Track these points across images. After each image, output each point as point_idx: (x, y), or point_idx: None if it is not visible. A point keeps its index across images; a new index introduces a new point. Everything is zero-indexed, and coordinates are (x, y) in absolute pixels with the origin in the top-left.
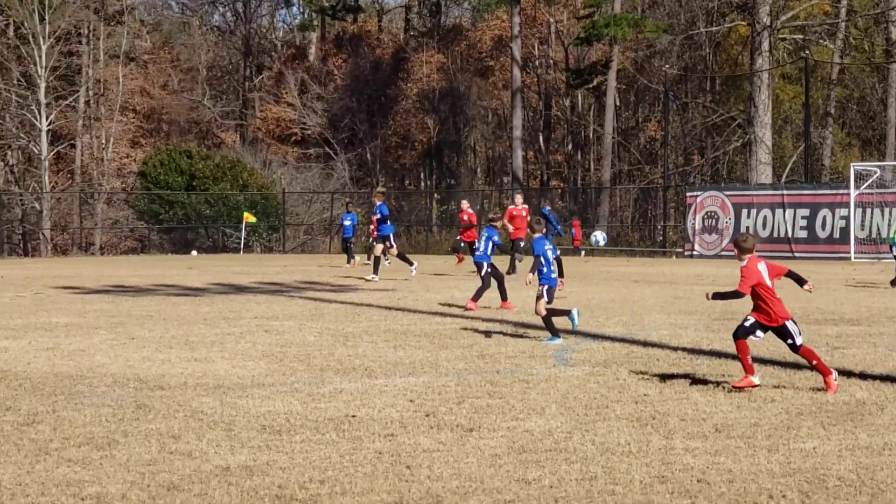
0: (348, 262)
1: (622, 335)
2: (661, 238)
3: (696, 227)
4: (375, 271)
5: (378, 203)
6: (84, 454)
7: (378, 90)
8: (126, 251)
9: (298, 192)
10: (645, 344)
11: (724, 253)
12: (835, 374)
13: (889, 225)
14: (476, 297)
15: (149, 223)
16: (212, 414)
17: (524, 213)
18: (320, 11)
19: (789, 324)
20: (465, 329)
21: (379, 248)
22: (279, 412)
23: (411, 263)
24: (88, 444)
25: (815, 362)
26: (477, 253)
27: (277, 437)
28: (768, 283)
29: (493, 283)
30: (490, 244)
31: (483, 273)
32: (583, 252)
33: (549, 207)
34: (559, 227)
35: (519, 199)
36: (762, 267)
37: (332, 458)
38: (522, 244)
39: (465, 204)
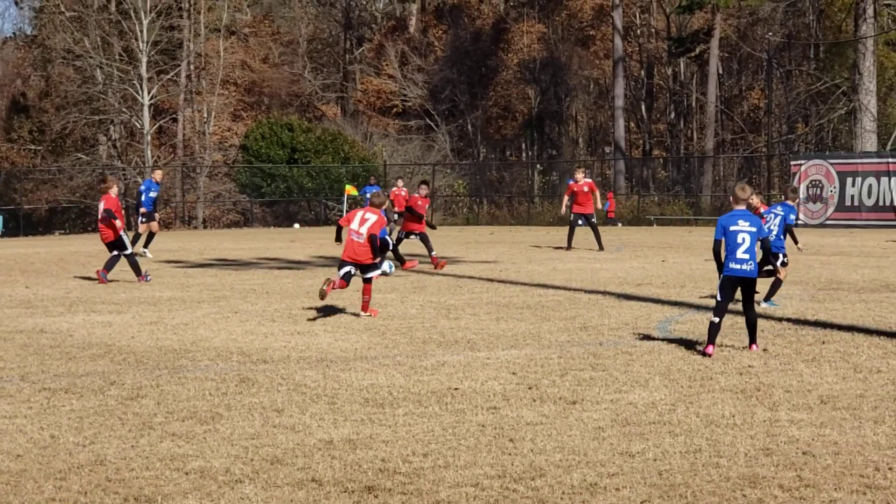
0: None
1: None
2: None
3: (801, 195)
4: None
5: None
6: (188, 428)
7: (478, 61)
8: (228, 224)
9: (400, 164)
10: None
11: (829, 222)
12: None
13: None
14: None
15: (251, 196)
16: (314, 387)
17: (585, 189)
18: None
19: None
20: (568, 301)
21: None
22: (382, 385)
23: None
24: (192, 419)
25: None
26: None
27: (380, 411)
28: None
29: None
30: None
31: None
32: (619, 223)
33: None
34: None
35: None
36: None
37: (434, 431)
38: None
39: (400, 183)
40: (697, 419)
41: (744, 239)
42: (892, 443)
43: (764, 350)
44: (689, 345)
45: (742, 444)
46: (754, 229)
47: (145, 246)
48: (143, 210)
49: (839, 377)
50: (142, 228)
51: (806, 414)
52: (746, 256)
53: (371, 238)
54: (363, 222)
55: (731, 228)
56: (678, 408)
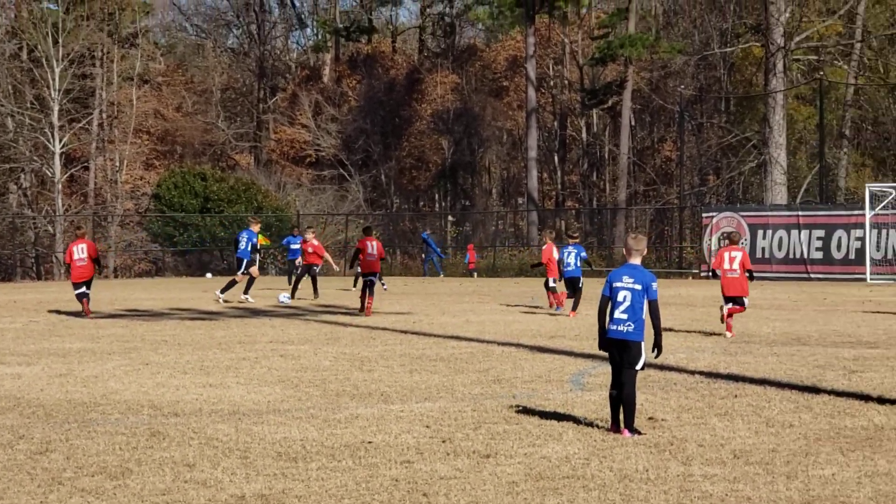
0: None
1: None
2: (677, 259)
3: (713, 247)
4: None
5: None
6: (97, 484)
7: (392, 111)
8: (140, 274)
9: (313, 214)
10: (662, 367)
11: None
12: None
13: None
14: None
15: (163, 246)
16: (227, 441)
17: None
18: (334, 33)
19: None
20: (481, 353)
21: None
22: (295, 439)
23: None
24: (102, 474)
25: None
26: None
27: (293, 465)
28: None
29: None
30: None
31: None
32: (475, 274)
33: (427, 231)
34: (438, 249)
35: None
36: None
37: (348, 485)
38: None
39: (309, 235)
40: (611, 473)
41: (625, 297)
42: (805, 498)
43: (637, 434)
44: (602, 398)
45: (656, 498)
46: (639, 287)
47: (245, 292)
48: (241, 259)
49: (752, 431)
50: (239, 277)
51: (719, 468)
52: (624, 317)
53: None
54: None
55: (615, 284)
56: (592, 462)
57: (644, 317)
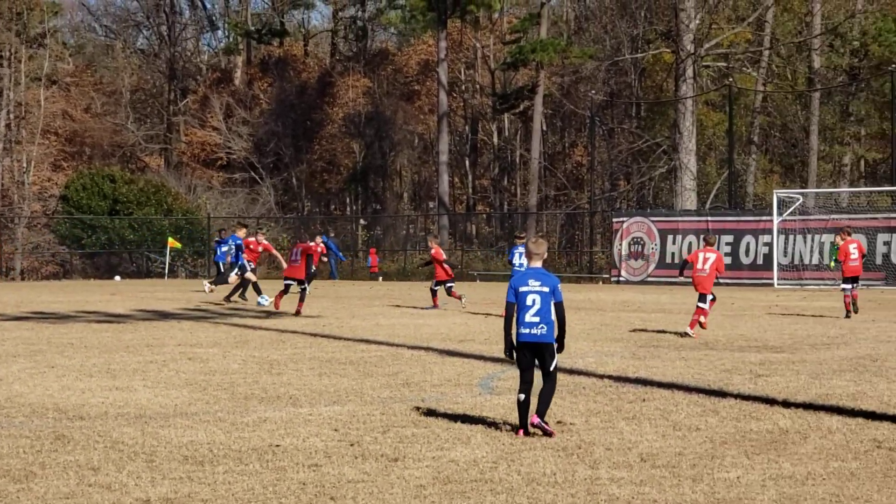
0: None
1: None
2: (587, 264)
3: (623, 252)
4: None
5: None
6: (0, 487)
7: (304, 114)
8: (47, 276)
9: (224, 217)
10: (571, 372)
11: (650, 279)
12: None
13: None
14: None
15: (71, 248)
16: (133, 444)
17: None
18: (245, 35)
19: None
20: (391, 357)
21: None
22: (202, 442)
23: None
24: (5, 477)
25: None
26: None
27: (200, 468)
28: None
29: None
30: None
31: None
32: (380, 278)
33: (328, 235)
34: (340, 253)
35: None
36: None
37: (255, 489)
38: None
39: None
40: (519, 477)
41: (534, 300)
42: (710, 501)
43: (545, 426)
44: (511, 402)
45: (563, 502)
46: (546, 289)
47: (247, 294)
48: (231, 262)
49: (659, 435)
50: (233, 279)
51: (626, 472)
52: (537, 319)
53: None
54: None
55: (521, 289)
56: (500, 465)
57: (553, 318)
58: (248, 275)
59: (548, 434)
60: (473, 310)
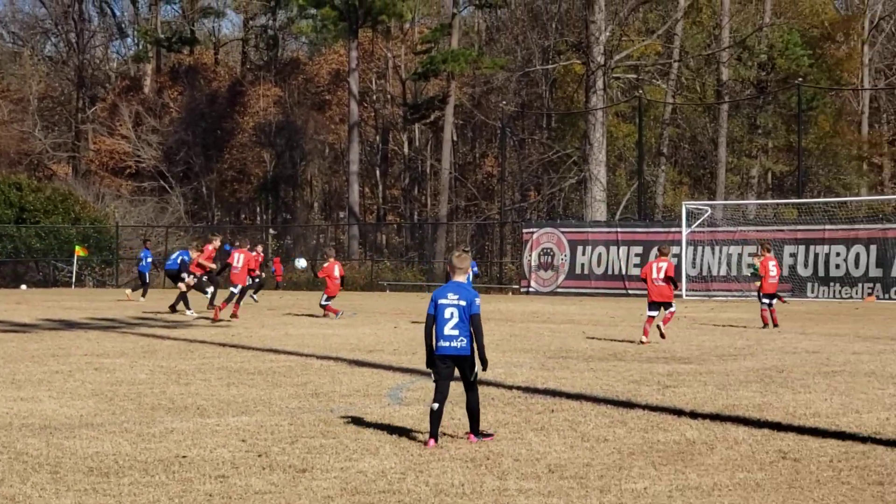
0: (144, 294)
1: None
2: (497, 274)
3: (533, 263)
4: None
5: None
6: None
7: (214, 123)
8: None
9: (132, 225)
10: (480, 383)
11: (559, 290)
12: None
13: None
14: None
15: None
16: (37, 456)
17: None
18: (155, 43)
19: None
20: (300, 367)
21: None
22: (107, 453)
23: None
24: None
25: None
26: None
27: (105, 480)
28: None
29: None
30: None
31: None
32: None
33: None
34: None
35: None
36: None
37: (161, 500)
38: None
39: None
40: (427, 488)
41: (452, 314)
42: None
43: (486, 435)
44: (420, 412)
45: None
46: (464, 303)
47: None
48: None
49: (567, 446)
50: (182, 286)
51: (534, 483)
52: (456, 332)
53: None
54: None
55: (440, 301)
56: (408, 476)
57: (471, 331)
58: (184, 285)
59: (489, 436)
60: (384, 321)
